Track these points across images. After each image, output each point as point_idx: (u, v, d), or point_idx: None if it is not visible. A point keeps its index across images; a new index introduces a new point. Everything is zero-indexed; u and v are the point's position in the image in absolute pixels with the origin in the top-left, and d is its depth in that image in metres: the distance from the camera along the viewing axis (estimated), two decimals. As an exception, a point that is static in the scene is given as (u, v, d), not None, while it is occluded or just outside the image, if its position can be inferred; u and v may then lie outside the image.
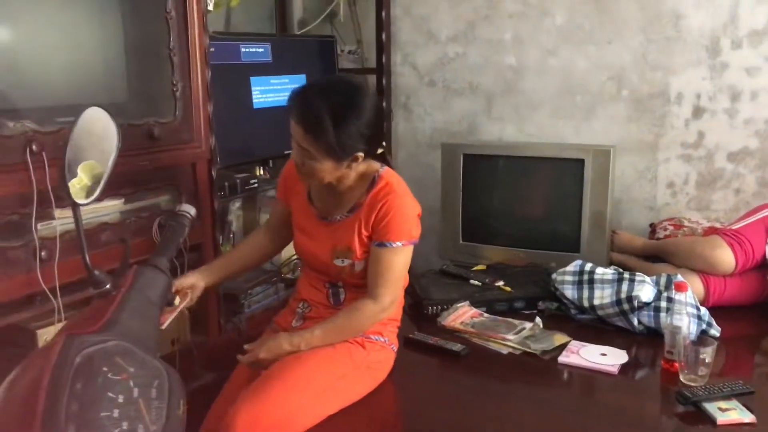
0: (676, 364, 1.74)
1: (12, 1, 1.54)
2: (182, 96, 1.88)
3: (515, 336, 1.98)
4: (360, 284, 1.68)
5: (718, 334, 1.93)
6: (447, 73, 2.94)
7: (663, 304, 1.97)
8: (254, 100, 2.41)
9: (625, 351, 1.88)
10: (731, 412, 1.53)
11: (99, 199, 1.40)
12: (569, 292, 2.14)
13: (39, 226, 1.52)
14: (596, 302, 2.07)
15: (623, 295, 2.01)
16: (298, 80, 2.57)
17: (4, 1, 1.52)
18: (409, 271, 1.74)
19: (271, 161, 2.48)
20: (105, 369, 1.03)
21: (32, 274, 1.51)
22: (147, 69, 1.86)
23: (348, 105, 1.53)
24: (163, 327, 1.50)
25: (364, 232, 1.64)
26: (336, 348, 1.62)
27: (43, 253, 1.52)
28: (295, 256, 2.30)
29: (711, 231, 2.34)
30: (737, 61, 2.47)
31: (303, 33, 3.01)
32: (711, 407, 1.55)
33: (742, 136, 2.51)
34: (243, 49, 2.36)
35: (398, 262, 1.63)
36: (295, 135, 1.56)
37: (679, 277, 2.01)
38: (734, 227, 2.22)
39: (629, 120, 2.66)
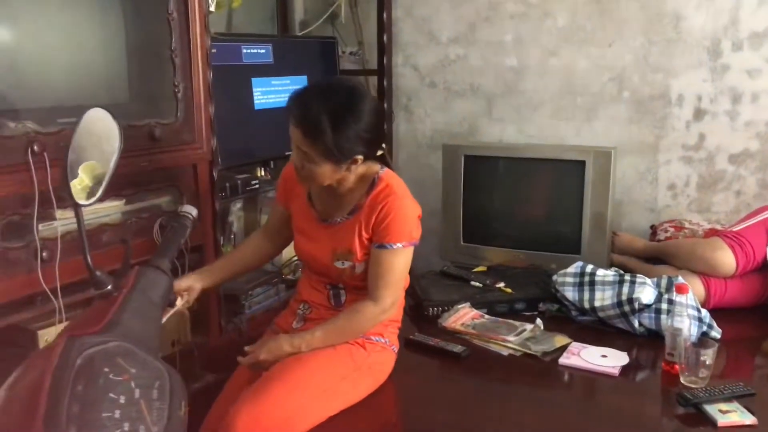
0: (677, 366, 1.74)
1: (13, 2, 1.54)
2: (183, 97, 1.88)
3: (516, 337, 1.98)
4: (361, 286, 1.68)
5: (718, 336, 1.93)
6: (448, 75, 2.94)
7: (664, 305, 1.97)
8: (255, 101, 2.41)
9: (625, 353, 1.88)
10: (732, 414, 1.53)
11: (100, 200, 1.40)
12: (570, 293, 2.14)
13: (40, 226, 1.52)
14: (597, 304, 2.07)
15: (624, 297, 2.01)
16: (299, 81, 2.57)
17: (5, 1, 1.52)
18: (410, 273, 1.74)
19: (272, 162, 2.48)
20: (106, 370, 1.03)
21: (33, 274, 1.51)
22: (148, 70, 1.86)
23: (347, 108, 1.53)
24: None
25: (365, 234, 1.64)
26: (337, 349, 1.62)
27: (44, 254, 1.52)
28: (295, 257, 2.30)
29: (712, 233, 2.34)
30: (738, 63, 2.47)
31: (304, 34, 3.01)
32: (711, 409, 1.55)
33: (743, 138, 2.51)
34: (244, 50, 2.36)
35: (399, 264, 1.63)
36: (294, 138, 1.56)
37: (680, 279, 2.01)
38: (735, 229, 2.22)
39: (630, 121, 2.66)
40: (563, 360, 1.86)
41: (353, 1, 3.00)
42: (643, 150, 2.65)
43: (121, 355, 1.06)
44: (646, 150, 2.65)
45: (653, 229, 2.58)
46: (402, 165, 3.06)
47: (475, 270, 2.50)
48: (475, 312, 2.17)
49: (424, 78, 2.99)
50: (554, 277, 2.21)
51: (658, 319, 1.97)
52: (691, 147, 2.59)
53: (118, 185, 1.62)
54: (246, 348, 1.64)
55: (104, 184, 1.37)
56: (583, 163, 2.44)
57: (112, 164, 1.38)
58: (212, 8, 2.05)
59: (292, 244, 1.82)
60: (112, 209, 1.75)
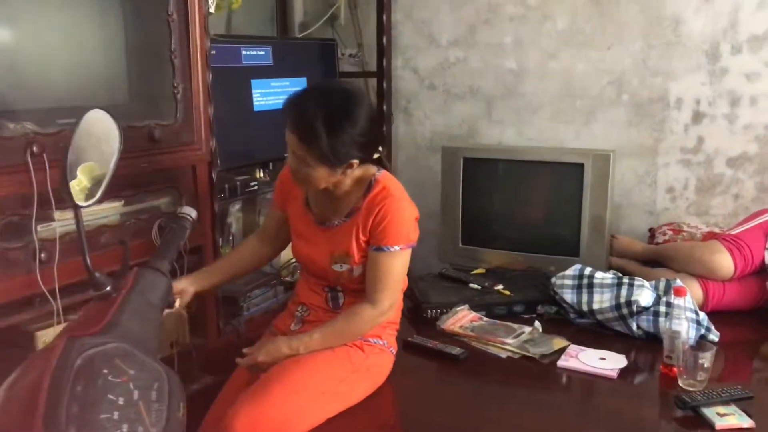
0: (675, 369, 1.74)
1: (13, 2, 1.54)
2: (183, 98, 1.88)
3: (514, 340, 1.98)
4: (359, 289, 1.67)
5: (716, 339, 1.93)
6: (447, 77, 2.94)
7: (662, 308, 1.98)
8: (255, 103, 2.42)
9: (624, 355, 1.88)
10: (730, 417, 1.53)
11: (99, 201, 1.40)
12: (568, 296, 2.14)
13: (39, 227, 1.52)
14: (595, 306, 2.07)
15: (622, 300, 2.01)
16: (298, 83, 2.57)
17: (5, 1, 1.52)
18: (409, 275, 1.74)
19: (271, 164, 2.48)
20: (105, 371, 1.03)
21: (32, 275, 1.51)
22: (148, 71, 1.86)
23: (342, 113, 1.53)
24: None
25: (362, 237, 1.64)
26: (335, 351, 1.62)
27: (42, 255, 1.52)
28: (294, 260, 2.30)
29: (710, 236, 2.34)
30: (737, 66, 2.47)
31: (304, 36, 3.02)
32: (710, 412, 1.55)
33: (742, 142, 2.51)
34: (244, 52, 2.36)
35: (396, 266, 1.63)
36: (289, 142, 1.56)
37: (678, 282, 2.01)
38: (733, 232, 2.23)
39: (629, 124, 2.66)
40: (561, 362, 1.86)
41: (353, 3, 3.01)
42: (641, 153, 2.66)
43: (120, 356, 1.06)
44: (645, 153, 2.65)
45: (652, 232, 2.59)
46: (401, 167, 3.06)
47: (474, 272, 2.50)
48: (473, 314, 2.17)
49: (423, 80, 3.00)
50: (553, 280, 2.21)
51: (656, 322, 1.97)
52: (690, 150, 2.59)
53: (118, 186, 1.62)
54: (244, 350, 1.64)
55: (104, 185, 1.36)
56: (582, 165, 2.44)
57: (111, 165, 1.38)
58: (212, 9, 2.05)
59: (290, 246, 1.81)
60: (110, 210, 1.75)
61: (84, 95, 1.70)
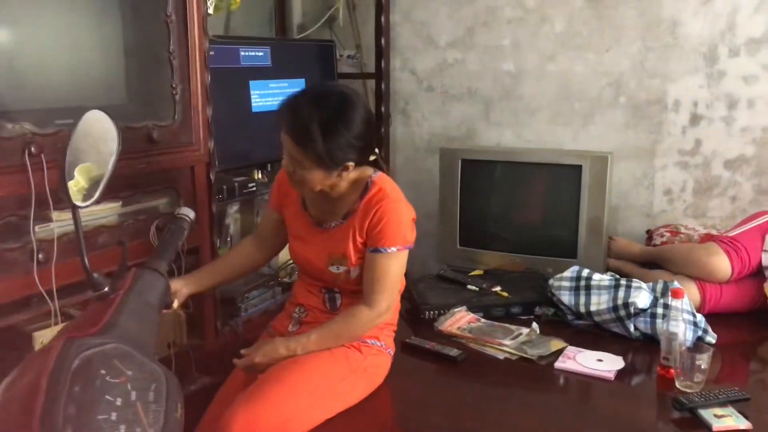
0: (672, 371, 1.74)
1: (11, 3, 1.54)
2: (181, 99, 1.88)
3: (512, 341, 1.98)
4: (356, 290, 1.67)
5: (714, 341, 1.94)
6: (446, 79, 2.95)
7: (659, 310, 1.98)
8: (253, 104, 2.42)
9: (621, 357, 1.88)
10: (727, 419, 1.53)
11: (97, 202, 1.40)
12: (566, 297, 2.14)
13: (36, 228, 1.52)
14: (593, 308, 2.08)
15: (620, 302, 2.02)
16: (297, 84, 2.57)
17: (4, 2, 1.52)
18: (407, 276, 1.74)
19: (269, 165, 2.48)
20: (103, 372, 1.03)
21: (29, 276, 1.50)
22: (146, 71, 1.86)
23: (338, 116, 1.52)
24: None
25: (359, 239, 1.64)
26: (333, 352, 1.62)
27: (40, 256, 1.52)
28: (292, 261, 2.30)
29: (707, 238, 2.35)
30: (734, 69, 2.48)
31: (302, 37, 3.02)
32: (707, 414, 1.55)
33: (739, 144, 2.52)
34: (242, 53, 2.36)
35: (393, 268, 1.63)
36: (285, 145, 1.56)
37: (676, 284, 2.01)
38: (730, 234, 2.23)
39: (627, 127, 2.67)
40: (559, 364, 1.86)
41: (351, 5, 3.01)
42: (639, 155, 2.66)
43: (118, 357, 1.06)
44: (643, 155, 2.66)
45: (649, 233, 2.59)
46: (399, 169, 3.06)
47: (472, 274, 2.50)
48: (471, 316, 2.17)
49: (421, 82, 3.00)
50: (550, 281, 2.22)
51: (653, 324, 1.97)
52: (687, 152, 2.60)
53: (115, 187, 1.61)
54: (242, 351, 1.64)
55: (102, 185, 1.36)
56: (579, 167, 2.45)
57: (110, 166, 1.38)
58: (210, 10, 2.05)
59: (288, 248, 1.81)
60: (108, 211, 1.75)
61: (82, 96, 1.70)
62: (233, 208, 2.41)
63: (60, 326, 1.49)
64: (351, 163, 1.57)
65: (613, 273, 2.25)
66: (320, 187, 1.61)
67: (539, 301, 2.25)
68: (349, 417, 1.60)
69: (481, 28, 2.84)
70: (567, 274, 2.19)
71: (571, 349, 1.94)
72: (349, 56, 3.03)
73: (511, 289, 2.32)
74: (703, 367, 1.68)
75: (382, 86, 2.86)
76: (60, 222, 1.56)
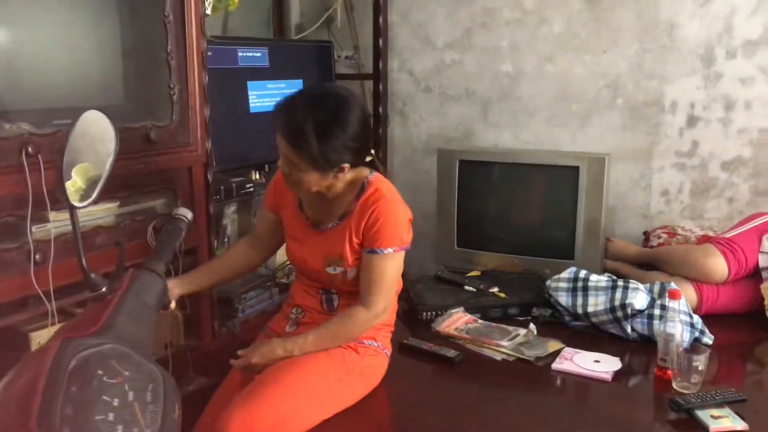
0: (669, 372, 1.75)
1: (9, 3, 1.54)
2: (179, 99, 1.88)
3: (509, 342, 1.98)
4: (353, 291, 1.67)
5: (710, 342, 1.94)
6: (443, 80, 2.95)
7: (656, 311, 1.98)
8: (251, 105, 2.42)
9: (618, 358, 1.88)
10: (724, 420, 1.54)
11: (95, 202, 1.40)
12: (563, 298, 2.15)
13: (34, 228, 1.52)
14: (590, 309, 2.08)
15: (617, 303, 2.02)
16: (295, 85, 2.57)
17: (2, 2, 1.52)
18: (404, 277, 1.74)
19: (266, 166, 2.48)
20: (100, 372, 1.03)
21: (26, 276, 1.50)
22: (144, 72, 1.86)
23: (333, 119, 1.52)
24: None
25: (355, 240, 1.63)
26: (330, 353, 1.62)
27: (37, 256, 1.52)
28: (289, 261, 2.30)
29: (704, 239, 2.35)
30: (731, 70, 2.48)
31: (300, 38, 3.02)
32: (703, 415, 1.55)
33: (736, 146, 2.52)
34: (240, 54, 2.36)
35: (390, 269, 1.62)
36: (280, 147, 1.56)
37: (673, 285, 2.02)
38: (727, 236, 2.23)
39: (624, 128, 2.67)
40: (556, 365, 1.86)
41: (349, 6, 3.01)
42: (636, 156, 2.67)
43: (116, 357, 1.06)
44: (640, 156, 2.66)
45: (646, 235, 2.59)
46: (397, 169, 3.06)
47: (469, 275, 2.50)
48: (468, 317, 2.17)
49: (419, 83, 3.00)
50: (548, 283, 2.22)
51: (650, 325, 1.98)
52: (685, 154, 2.60)
53: (113, 187, 1.61)
54: (239, 351, 1.64)
55: (100, 186, 1.36)
56: (577, 169, 2.45)
57: (108, 166, 1.38)
58: (208, 11, 2.05)
59: (285, 249, 1.81)
60: (106, 211, 1.75)
61: (80, 96, 1.70)
62: (231, 209, 2.41)
63: (57, 327, 1.48)
64: (346, 165, 1.57)
65: (610, 274, 2.25)
66: (316, 189, 1.60)
67: (536, 302, 2.25)
68: (346, 418, 1.59)
69: (479, 29, 2.84)
70: (564, 275, 2.19)
71: (568, 350, 1.94)
72: (346, 57, 3.03)
73: (509, 290, 2.32)
74: (700, 368, 1.68)
75: (380, 87, 2.86)
76: (57, 222, 1.56)
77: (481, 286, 2.36)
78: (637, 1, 2.56)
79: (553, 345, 1.96)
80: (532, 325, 2.08)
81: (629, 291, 2.03)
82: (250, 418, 1.46)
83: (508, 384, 1.82)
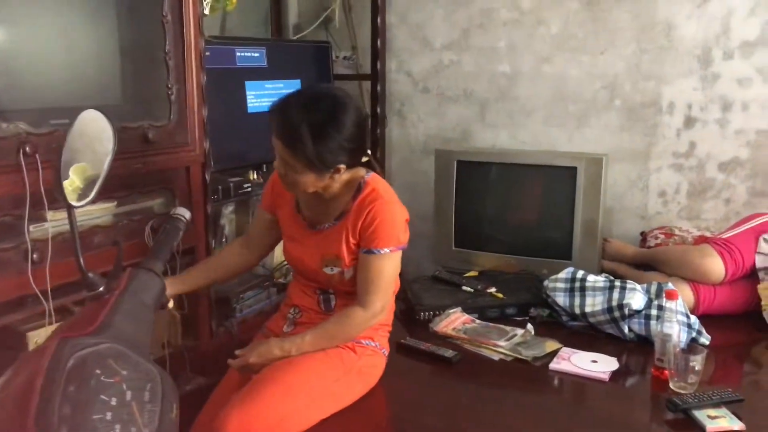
0: (666, 372, 1.75)
1: (7, 3, 1.54)
2: (177, 99, 1.88)
3: (507, 342, 1.98)
4: (351, 291, 1.67)
5: (707, 342, 1.94)
6: (441, 80, 2.95)
7: (653, 312, 1.99)
8: (249, 105, 2.41)
9: (615, 358, 1.89)
10: (720, 420, 1.54)
11: (93, 202, 1.40)
12: (561, 299, 2.15)
13: (31, 228, 1.51)
14: (587, 309, 2.08)
15: (614, 303, 2.02)
16: (292, 85, 2.57)
17: (0, 3, 1.51)
18: (402, 277, 1.74)
19: (264, 166, 2.48)
20: (98, 372, 1.02)
21: (23, 276, 1.50)
22: (142, 72, 1.86)
23: (328, 120, 1.51)
24: None
25: (352, 240, 1.63)
26: (327, 353, 1.62)
27: (34, 255, 1.52)
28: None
29: (701, 240, 2.36)
30: (729, 71, 2.49)
31: (298, 38, 3.02)
32: (700, 415, 1.56)
33: (733, 147, 2.53)
34: (238, 54, 2.36)
35: (387, 269, 1.62)
36: (276, 148, 1.55)
37: (670, 286, 2.02)
38: (724, 236, 2.24)
39: (621, 129, 2.68)
40: (554, 365, 1.86)
41: (347, 6, 3.01)
42: (634, 157, 2.67)
43: (113, 357, 1.06)
44: (637, 157, 2.67)
45: (643, 235, 2.60)
46: (395, 170, 3.06)
47: (467, 275, 2.51)
48: (466, 317, 2.17)
49: (417, 83, 3.01)
50: (545, 283, 2.22)
51: (647, 325, 1.98)
52: (682, 155, 2.61)
53: (110, 187, 1.61)
54: (236, 351, 1.64)
55: (98, 185, 1.36)
56: (574, 169, 2.45)
57: (105, 166, 1.37)
58: (206, 11, 2.05)
59: (282, 249, 1.81)
60: (103, 211, 1.75)
61: (78, 96, 1.69)
62: (228, 209, 2.41)
63: (54, 326, 1.48)
64: (342, 166, 1.57)
65: (607, 275, 2.25)
66: (312, 189, 1.60)
67: (534, 302, 2.25)
68: (343, 418, 1.60)
69: (477, 29, 2.84)
70: (562, 275, 2.20)
71: (565, 351, 1.94)
72: (344, 57, 3.03)
73: (506, 291, 2.33)
74: (696, 368, 1.69)
75: (378, 88, 2.86)
76: (55, 222, 1.55)
77: (479, 287, 2.37)
78: (634, 2, 2.57)
79: (551, 345, 1.96)
80: (529, 325, 2.09)
81: (626, 291, 2.03)
82: (247, 418, 1.46)
83: (505, 384, 1.83)
